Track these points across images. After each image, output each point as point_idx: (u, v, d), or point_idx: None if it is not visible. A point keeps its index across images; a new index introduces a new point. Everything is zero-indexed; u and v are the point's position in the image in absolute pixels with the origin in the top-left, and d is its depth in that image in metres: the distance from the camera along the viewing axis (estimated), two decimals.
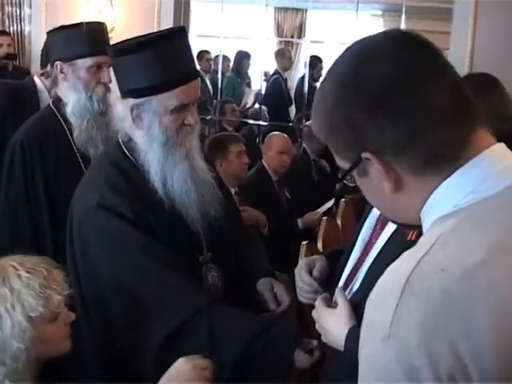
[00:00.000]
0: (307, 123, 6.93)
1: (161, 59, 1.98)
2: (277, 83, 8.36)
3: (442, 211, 0.98)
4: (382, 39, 1.05)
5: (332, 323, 1.76)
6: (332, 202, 5.13)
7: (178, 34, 2.07)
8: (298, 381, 1.93)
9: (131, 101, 2.01)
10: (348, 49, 1.06)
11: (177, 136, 2.03)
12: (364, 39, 1.06)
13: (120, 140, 2.13)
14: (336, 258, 2.01)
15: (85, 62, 2.79)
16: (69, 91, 2.84)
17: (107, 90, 2.81)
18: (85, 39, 2.80)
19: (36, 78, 3.42)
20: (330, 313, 1.77)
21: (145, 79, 1.98)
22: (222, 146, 4.26)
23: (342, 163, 1.07)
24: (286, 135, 5.24)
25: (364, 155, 1.00)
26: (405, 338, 0.88)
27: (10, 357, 1.61)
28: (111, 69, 2.55)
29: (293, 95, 8.61)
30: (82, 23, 2.95)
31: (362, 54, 1.02)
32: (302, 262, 2.02)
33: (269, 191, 4.93)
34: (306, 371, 1.99)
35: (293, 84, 9.20)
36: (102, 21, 5.22)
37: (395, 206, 1.06)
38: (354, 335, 1.71)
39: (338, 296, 1.77)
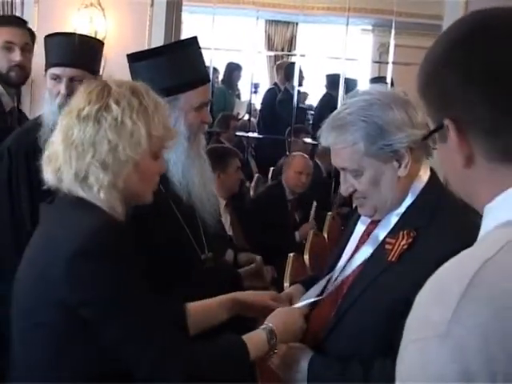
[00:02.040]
0: (323, 141, 6.89)
1: (188, 60, 2.17)
2: (272, 96, 8.42)
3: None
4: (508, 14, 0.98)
5: (290, 356, 1.80)
6: (315, 205, 5.18)
7: (197, 41, 2.27)
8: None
9: None
10: (466, 17, 1.01)
11: (197, 133, 2.19)
12: (485, 11, 1.00)
13: None
14: (313, 285, 2.04)
15: (48, 72, 2.86)
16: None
17: (65, 102, 2.80)
18: (53, 50, 2.87)
19: None
20: (288, 346, 1.81)
21: (174, 78, 2.13)
22: (223, 159, 4.32)
23: (430, 123, 1.04)
24: (306, 155, 5.34)
25: (445, 121, 0.97)
26: (463, 340, 0.84)
27: (116, 164, 1.60)
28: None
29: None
30: (56, 33, 3.01)
31: (479, 26, 0.98)
32: None
33: (281, 207, 5.00)
34: None
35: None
36: (94, 30, 5.30)
37: (463, 182, 1.02)
38: (316, 364, 1.75)
39: None
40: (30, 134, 2.87)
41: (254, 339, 1.75)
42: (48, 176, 1.67)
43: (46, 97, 2.89)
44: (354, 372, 1.68)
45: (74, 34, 3.19)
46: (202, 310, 1.93)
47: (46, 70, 2.90)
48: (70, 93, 2.80)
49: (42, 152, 2.77)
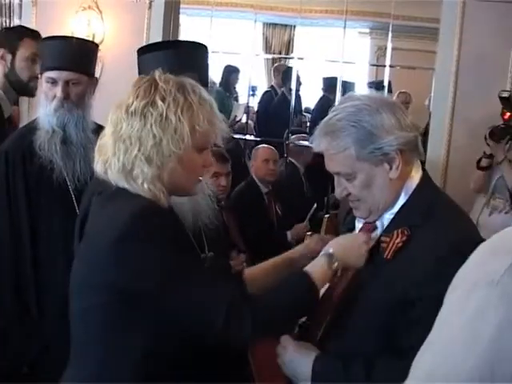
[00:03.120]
0: (293, 137, 7.02)
1: (192, 60, 2.20)
2: (268, 98, 8.44)
3: None
4: None
5: (296, 354, 1.79)
6: (314, 206, 5.20)
7: (206, 49, 2.36)
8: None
9: None
10: None
11: None
12: None
13: None
14: None
15: (44, 76, 2.87)
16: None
17: (61, 105, 2.84)
18: (48, 54, 2.88)
19: None
20: (294, 343, 1.81)
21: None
22: None
23: None
24: (271, 146, 5.42)
25: None
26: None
27: (160, 159, 1.67)
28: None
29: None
30: (50, 37, 3.03)
31: None
32: None
33: (258, 204, 5.00)
34: None
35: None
36: (92, 33, 5.31)
37: None
38: (320, 364, 1.75)
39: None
40: (27, 137, 2.88)
41: (316, 267, 1.77)
42: (97, 166, 1.75)
43: (41, 100, 2.90)
44: (356, 372, 1.69)
45: (69, 37, 3.21)
46: (259, 273, 2.03)
47: (41, 74, 2.91)
48: (66, 96, 2.82)
49: (38, 155, 2.81)
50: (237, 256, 3.24)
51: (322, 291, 1.83)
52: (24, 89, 3.33)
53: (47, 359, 2.78)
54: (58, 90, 2.83)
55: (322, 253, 1.81)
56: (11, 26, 5.65)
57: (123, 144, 1.68)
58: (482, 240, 1.71)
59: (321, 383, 1.74)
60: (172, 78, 1.74)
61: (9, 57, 3.31)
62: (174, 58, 2.16)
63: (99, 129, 2.91)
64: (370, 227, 1.89)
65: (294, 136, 7.03)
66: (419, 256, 1.65)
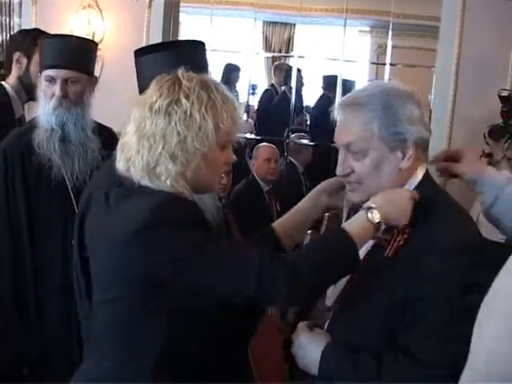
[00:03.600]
0: (293, 135, 7.03)
1: (191, 59, 2.10)
2: (269, 97, 8.44)
3: None
4: None
5: (306, 343, 1.79)
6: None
7: (204, 47, 2.31)
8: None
9: None
10: None
11: None
12: None
13: None
14: None
15: (43, 74, 2.87)
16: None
17: (60, 103, 2.83)
18: (47, 52, 2.87)
19: (6, 86, 3.38)
20: (308, 331, 1.81)
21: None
22: None
23: None
24: (272, 145, 5.45)
25: None
26: None
27: (184, 156, 1.68)
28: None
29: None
30: (49, 36, 3.03)
31: None
32: None
33: (259, 202, 5.02)
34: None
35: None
36: (92, 31, 5.31)
37: None
38: (328, 355, 1.74)
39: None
40: (25, 135, 2.87)
41: (354, 224, 1.73)
42: (119, 164, 1.74)
43: (40, 99, 2.90)
44: (366, 366, 1.68)
45: (68, 35, 3.20)
46: (294, 218, 2.07)
47: (40, 72, 2.90)
48: (64, 94, 2.81)
49: (37, 154, 2.81)
50: None
51: (364, 249, 1.79)
52: (36, 92, 3.33)
53: (47, 359, 2.78)
54: (57, 89, 2.82)
55: (364, 206, 1.76)
56: (11, 24, 5.65)
57: (147, 142, 1.68)
58: (483, 238, 1.72)
59: (328, 374, 1.73)
60: (195, 76, 1.74)
61: (24, 60, 3.30)
62: (173, 59, 2.15)
63: (99, 127, 2.91)
64: None
65: (294, 135, 7.04)
66: (420, 255, 1.65)
